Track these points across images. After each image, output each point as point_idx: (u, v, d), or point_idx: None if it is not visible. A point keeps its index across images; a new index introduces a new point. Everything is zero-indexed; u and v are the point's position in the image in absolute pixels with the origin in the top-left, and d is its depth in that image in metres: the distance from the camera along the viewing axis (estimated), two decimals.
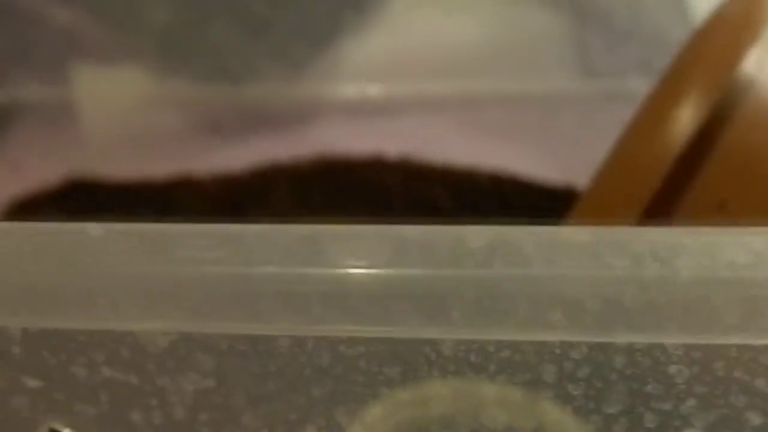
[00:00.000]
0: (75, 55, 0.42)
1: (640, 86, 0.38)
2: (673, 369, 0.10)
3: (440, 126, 0.40)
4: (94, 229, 0.11)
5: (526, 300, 0.10)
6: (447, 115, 0.41)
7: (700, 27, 0.22)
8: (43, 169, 0.40)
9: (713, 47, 0.20)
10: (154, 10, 0.39)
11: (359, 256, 0.10)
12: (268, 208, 0.35)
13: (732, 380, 0.11)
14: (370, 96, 0.41)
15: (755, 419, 0.11)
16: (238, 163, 0.40)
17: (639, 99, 0.38)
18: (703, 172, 0.20)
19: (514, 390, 0.23)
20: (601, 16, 0.38)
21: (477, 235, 0.10)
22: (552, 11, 0.39)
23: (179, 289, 0.11)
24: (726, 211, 0.20)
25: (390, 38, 0.41)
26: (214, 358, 0.11)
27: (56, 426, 0.12)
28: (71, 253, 0.11)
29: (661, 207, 0.20)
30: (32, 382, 0.12)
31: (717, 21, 0.23)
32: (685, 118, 0.20)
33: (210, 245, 0.11)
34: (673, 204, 0.20)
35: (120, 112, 0.42)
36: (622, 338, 0.10)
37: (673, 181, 0.20)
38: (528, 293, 0.10)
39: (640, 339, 0.10)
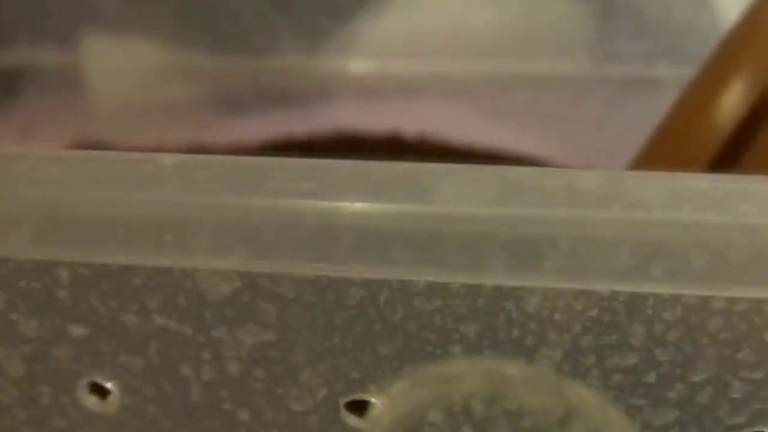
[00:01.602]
0: (88, 21, 0.41)
1: (666, 73, 0.38)
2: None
3: (459, 107, 0.40)
4: (166, 158, 0.11)
5: (628, 248, 0.09)
6: (466, 97, 0.40)
7: (749, 8, 0.22)
8: (50, 134, 0.39)
9: (763, 29, 0.20)
10: None
11: (462, 195, 0.10)
12: None
13: None
14: (388, 74, 0.40)
15: None
16: (252, 137, 0.39)
17: (664, 86, 0.38)
18: (753, 154, 0.20)
19: (546, 372, 0.23)
20: (628, 1, 0.37)
21: (588, 179, 0.09)
22: None
23: (253, 222, 0.10)
24: None
25: (410, 16, 0.40)
26: (278, 309, 0.10)
27: (99, 379, 0.11)
28: (138, 182, 0.10)
29: None
30: (77, 330, 0.11)
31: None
32: (739, 95, 0.19)
33: (291, 177, 0.10)
34: None
35: (132, 81, 0.41)
36: (724, 293, 0.09)
37: (721, 161, 0.19)
38: (631, 240, 0.09)
39: (744, 294, 0.09)
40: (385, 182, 0.10)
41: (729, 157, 0.20)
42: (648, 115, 0.37)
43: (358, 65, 0.40)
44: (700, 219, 0.09)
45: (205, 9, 0.39)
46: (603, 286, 0.10)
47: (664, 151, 0.20)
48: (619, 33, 0.38)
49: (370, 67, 0.40)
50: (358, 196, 0.10)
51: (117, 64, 0.41)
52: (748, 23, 0.20)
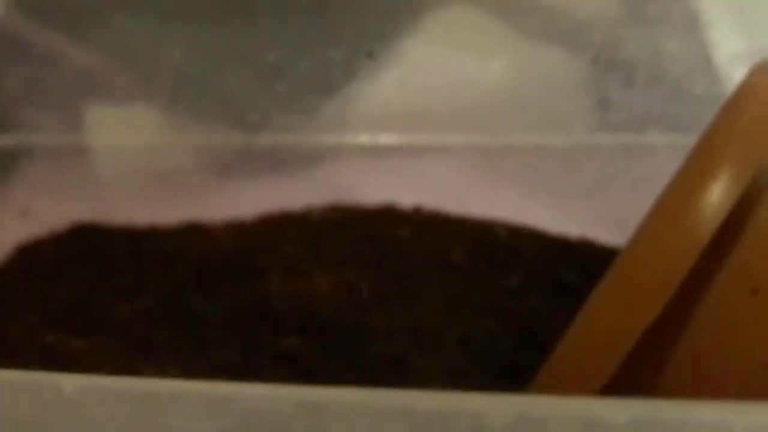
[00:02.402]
0: (88, 96, 0.41)
1: (661, 140, 0.38)
2: None
3: (455, 176, 0.40)
4: (68, 383, 0.10)
5: None
6: (462, 166, 0.40)
7: (730, 99, 0.22)
8: (50, 213, 0.40)
9: (744, 122, 0.20)
10: (167, 53, 0.39)
11: None
12: (279, 258, 0.35)
13: None
14: (383, 144, 0.40)
15: None
16: (248, 209, 0.39)
17: (659, 153, 0.37)
18: (734, 255, 0.19)
19: None
20: (623, 66, 0.37)
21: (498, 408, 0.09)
22: (572, 60, 0.39)
23: None
24: (759, 297, 0.19)
25: (404, 86, 0.40)
26: None
27: None
28: (35, 413, 0.10)
29: (690, 294, 0.19)
30: None
31: (749, 89, 0.22)
32: (718, 199, 0.19)
33: (199, 413, 0.09)
34: (703, 290, 0.19)
35: (131, 154, 0.42)
36: None
37: (702, 265, 0.19)
38: None
39: None
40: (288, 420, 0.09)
41: (712, 259, 0.20)
42: (642, 181, 0.37)
43: (351, 136, 0.40)
44: None
45: (199, 83, 0.39)
46: None
47: (646, 254, 0.20)
48: (615, 99, 0.38)
49: (364, 138, 0.40)
50: None
51: (117, 137, 0.42)
52: (725, 122, 0.20)
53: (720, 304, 0.19)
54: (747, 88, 0.22)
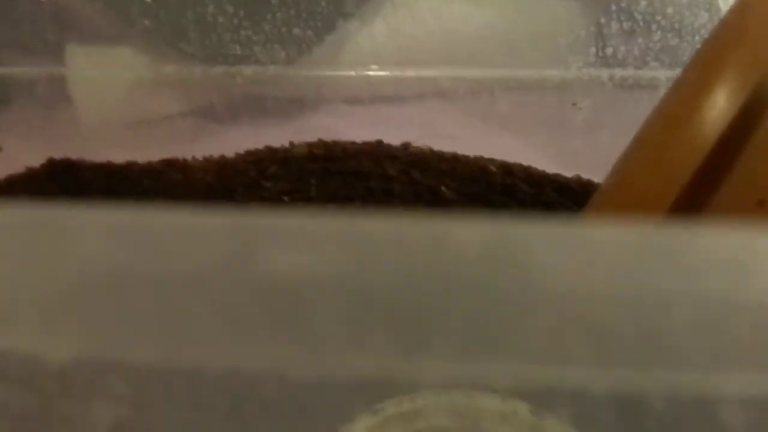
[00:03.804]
0: (68, 35, 0.40)
1: (661, 75, 0.36)
2: (725, 413, 0.08)
3: (448, 115, 0.38)
4: None
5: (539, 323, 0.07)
6: (455, 104, 0.38)
7: (735, 5, 0.20)
8: (26, 151, 0.38)
9: (754, 21, 0.18)
10: None
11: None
12: (261, 194, 0.33)
13: None
14: (373, 82, 0.39)
15: None
16: (233, 148, 0.38)
17: (660, 89, 0.36)
18: (740, 165, 0.18)
19: (520, 405, 0.21)
20: (621, 1, 0.36)
21: (468, 231, 0.08)
22: None
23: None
24: (766, 207, 0.18)
25: (395, 23, 0.38)
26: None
27: None
28: None
29: (691, 203, 0.18)
30: None
31: None
32: (721, 104, 0.18)
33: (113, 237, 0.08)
34: (705, 200, 0.18)
35: (112, 94, 0.40)
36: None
37: (706, 174, 0.18)
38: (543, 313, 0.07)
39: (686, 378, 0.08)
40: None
41: (716, 167, 0.18)
42: (641, 118, 0.36)
43: (340, 74, 0.38)
44: None
45: (183, 20, 0.37)
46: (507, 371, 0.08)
47: (645, 161, 0.18)
48: (614, 35, 0.36)
49: (354, 76, 0.38)
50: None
51: (97, 76, 0.40)
52: (732, 23, 0.19)
53: (725, 217, 0.18)
54: None
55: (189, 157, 0.38)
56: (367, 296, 0.07)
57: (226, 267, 0.07)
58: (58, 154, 0.38)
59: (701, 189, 0.18)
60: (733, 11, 0.19)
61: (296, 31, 0.37)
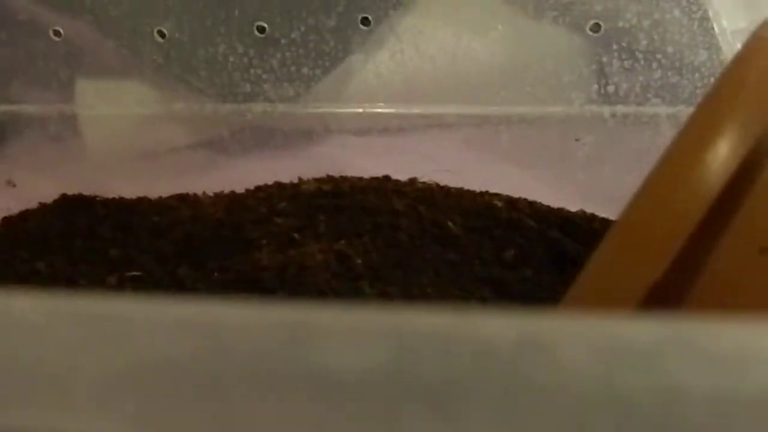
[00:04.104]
0: (79, 69, 0.40)
1: (662, 112, 0.37)
2: None
3: (452, 149, 0.39)
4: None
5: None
6: (460, 139, 0.39)
7: (740, 51, 0.21)
8: (38, 185, 0.39)
9: (755, 73, 0.19)
10: (159, 25, 0.38)
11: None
12: (270, 230, 0.34)
13: None
14: (379, 118, 0.39)
15: None
16: (241, 183, 0.38)
17: (660, 125, 0.37)
18: (742, 214, 0.19)
19: None
20: (623, 38, 0.36)
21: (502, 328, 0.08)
22: (571, 32, 0.38)
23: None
24: (767, 256, 0.18)
25: (400, 59, 0.39)
26: None
27: None
28: None
29: (696, 252, 0.18)
30: None
31: (757, 43, 0.21)
32: (724, 155, 0.18)
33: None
34: (709, 248, 0.19)
35: (120, 127, 0.41)
36: None
37: (710, 223, 0.18)
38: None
39: None
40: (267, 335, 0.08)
41: (718, 218, 0.19)
42: (643, 153, 0.36)
43: (347, 109, 0.39)
44: None
45: (192, 55, 0.38)
46: None
47: (651, 210, 0.19)
48: (615, 71, 0.37)
49: (360, 111, 0.39)
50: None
51: (107, 111, 0.41)
52: (734, 76, 0.19)
53: (727, 266, 0.19)
54: (754, 44, 0.21)
55: (200, 191, 0.38)
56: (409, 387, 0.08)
57: (283, 362, 0.08)
58: (69, 189, 0.39)
59: (705, 238, 0.18)
60: (735, 63, 0.20)
61: (305, 70, 0.37)
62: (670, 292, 0.18)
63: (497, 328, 0.08)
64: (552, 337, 0.08)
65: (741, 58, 0.20)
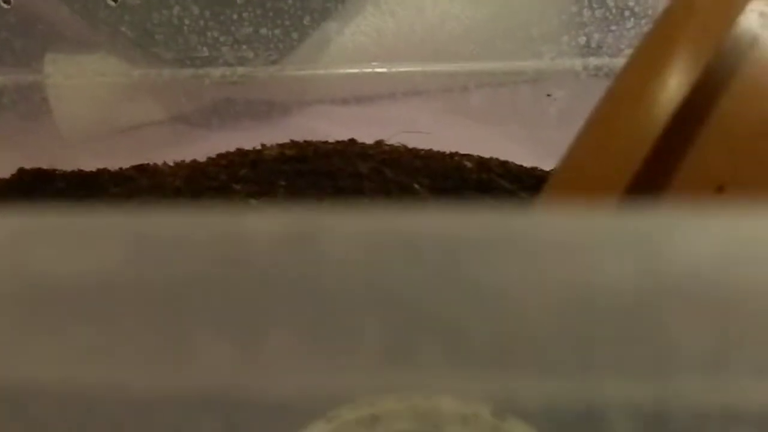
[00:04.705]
0: (33, 38, 0.39)
1: None
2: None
3: (423, 111, 0.38)
4: None
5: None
6: (430, 100, 0.38)
7: None
8: (1, 160, 0.38)
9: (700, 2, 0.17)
10: None
11: None
12: (230, 197, 0.33)
13: None
14: (346, 80, 0.38)
15: None
16: (205, 152, 0.37)
17: None
18: (696, 149, 0.17)
19: (481, 407, 0.20)
20: None
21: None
22: None
23: None
24: (725, 195, 0.17)
25: (366, 17, 0.38)
26: None
27: None
28: None
29: (646, 190, 0.17)
30: None
31: None
32: (673, 84, 0.17)
33: None
34: (661, 186, 0.17)
35: (88, 100, 0.40)
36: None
37: (661, 159, 0.17)
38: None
39: None
40: None
41: (672, 151, 0.17)
42: None
43: (313, 73, 0.38)
44: None
45: (158, 25, 0.37)
46: None
47: (595, 145, 0.18)
48: (590, 25, 0.35)
49: (325, 75, 0.38)
50: None
51: (73, 83, 0.40)
52: (682, 3, 0.18)
53: (683, 205, 0.17)
54: None
55: (161, 162, 0.37)
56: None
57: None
58: (28, 160, 0.38)
59: (655, 174, 0.17)
60: None
61: (264, 31, 0.36)
62: None
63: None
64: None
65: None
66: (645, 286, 0.07)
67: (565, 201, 0.17)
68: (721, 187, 0.17)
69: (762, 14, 0.19)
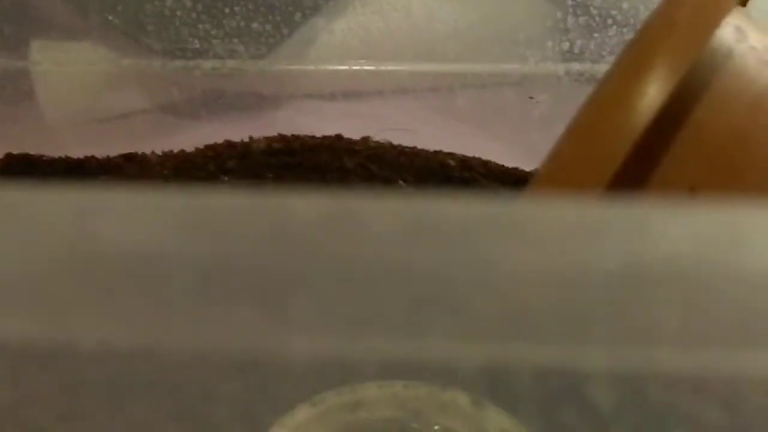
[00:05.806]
0: (23, 25, 0.39)
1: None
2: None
3: (409, 109, 0.38)
4: None
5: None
6: (416, 99, 0.38)
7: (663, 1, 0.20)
8: None
9: (685, 11, 0.18)
10: None
11: None
12: (216, 189, 0.33)
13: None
14: (333, 77, 0.39)
15: None
16: (193, 142, 0.38)
17: None
18: (672, 153, 0.18)
19: (460, 395, 0.21)
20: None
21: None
22: None
23: None
24: (697, 195, 0.18)
25: (355, 17, 0.38)
26: None
27: None
28: None
29: (625, 188, 0.18)
30: None
31: None
32: (652, 92, 0.18)
33: None
34: (639, 185, 0.18)
35: (76, 88, 0.40)
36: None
37: (639, 160, 0.18)
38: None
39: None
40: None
41: (649, 154, 0.18)
42: None
43: (302, 68, 0.38)
44: None
45: (147, 15, 0.37)
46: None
47: (579, 146, 0.18)
48: (573, 31, 0.36)
49: (314, 71, 0.38)
50: None
51: (61, 71, 0.40)
52: (662, 13, 0.19)
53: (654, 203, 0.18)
54: None
55: (149, 151, 0.37)
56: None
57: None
58: (15, 147, 0.38)
59: (634, 174, 0.18)
60: (664, 1, 0.20)
61: (255, 25, 0.37)
62: None
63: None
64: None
65: (664, 10, 0.19)
66: (628, 267, 0.08)
67: (549, 197, 0.18)
68: (693, 187, 0.18)
69: (737, 28, 0.20)
